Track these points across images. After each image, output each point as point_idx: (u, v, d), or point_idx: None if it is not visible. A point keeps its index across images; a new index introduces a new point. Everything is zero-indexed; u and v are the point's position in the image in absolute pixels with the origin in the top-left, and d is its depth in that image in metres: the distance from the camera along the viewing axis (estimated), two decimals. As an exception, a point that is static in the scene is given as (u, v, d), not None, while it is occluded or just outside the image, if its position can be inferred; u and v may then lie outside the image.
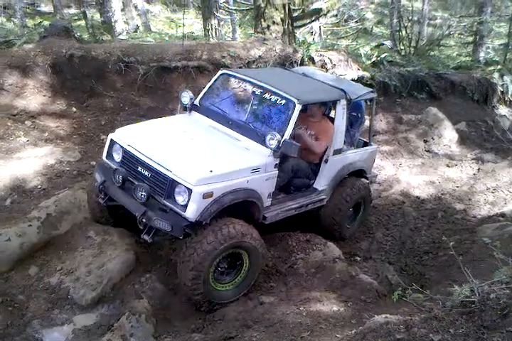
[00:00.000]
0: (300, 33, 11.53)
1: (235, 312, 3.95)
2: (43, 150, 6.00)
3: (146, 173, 4.00)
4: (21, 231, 4.34)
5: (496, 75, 10.63)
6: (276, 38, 8.92)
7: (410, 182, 7.42)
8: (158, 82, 7.56)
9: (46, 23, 9.54)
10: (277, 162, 4.29)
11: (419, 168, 7.95)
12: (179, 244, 4.49)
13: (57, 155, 5.95)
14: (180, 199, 3.79)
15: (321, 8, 10.35)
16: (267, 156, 4.21)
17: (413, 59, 10.74)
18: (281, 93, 4.50)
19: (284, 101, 4.47)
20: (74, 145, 6.41)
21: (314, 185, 5.06)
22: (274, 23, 9.06)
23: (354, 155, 5.36)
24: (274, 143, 4.13)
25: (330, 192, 5.18)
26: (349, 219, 5.65)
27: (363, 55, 10.54)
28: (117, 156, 4.30)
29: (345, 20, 15.11)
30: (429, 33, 14.72)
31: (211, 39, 10.54)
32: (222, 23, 12.74)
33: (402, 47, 12.15)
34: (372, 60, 10.07)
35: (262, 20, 9.10)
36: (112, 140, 4.36)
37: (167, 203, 3.86)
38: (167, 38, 12.76)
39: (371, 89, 5.61)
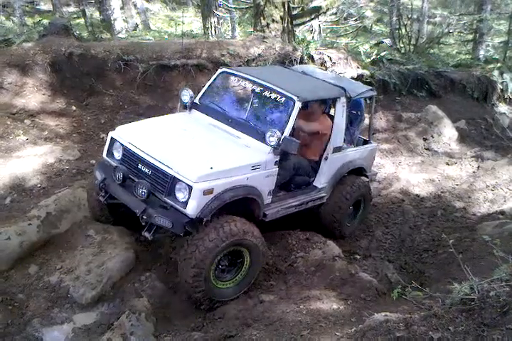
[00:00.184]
0: (299, 31, 11.53)
1: (235, 311, 3.95)
2: (43, 149, 5.99)
3: (147, 171, 4.00)
4: (21, 230, 4.34)
5: (495, 73, 10.64)
6: (275, 36, 8.92)
7: (410, 181, 7.43)
8: (157, 80, 7.55)
9: (45, 21, 9.54)
10: (277, 159, 4.29)
11: (419, 166, 7.95)
12: (179, 242, 4.50)
13: (57, 154, 5.95)
14: (180, 196, 3.79)
15: (320, 6, 10.33)
16: (267, 153, 4.22)
17: (413, 57, 10.74)
18: (281, 91, 4.50)
19: (283, 99, 4.48)
20: (73, 143, 6.41)
21: (314, 183, 5.07)
22: (273, 21, 9.06)
23: (354, 153, 5.37)
24: (274, 141, 4.13)
25: (330, 189, 5.18)
26: (349, 217, 5.65)
27: (362, 53, 10.55)
28: (118, 154, 4.30)
29: (345, 19, 15.09)
30: (429, 31, 14.70)
31: (210, 37, 10.52)
32: (221, 21, 12.74)
33: (402, 46, 12.14)
34: (372, 58, 10.08)
35: (262, 18, 9.10)
36: (112, 138, 4.36)
37: (167, 200, 3.87)
38: (166, 36, 12.73)
39: (371, 87, 5.63)
